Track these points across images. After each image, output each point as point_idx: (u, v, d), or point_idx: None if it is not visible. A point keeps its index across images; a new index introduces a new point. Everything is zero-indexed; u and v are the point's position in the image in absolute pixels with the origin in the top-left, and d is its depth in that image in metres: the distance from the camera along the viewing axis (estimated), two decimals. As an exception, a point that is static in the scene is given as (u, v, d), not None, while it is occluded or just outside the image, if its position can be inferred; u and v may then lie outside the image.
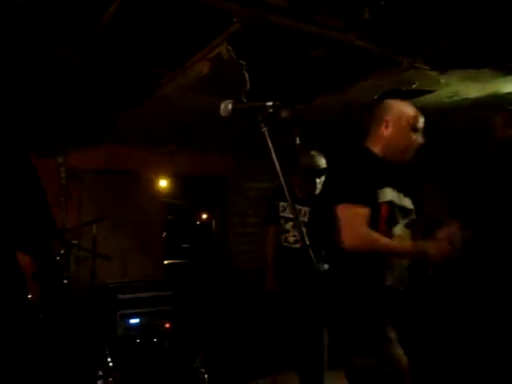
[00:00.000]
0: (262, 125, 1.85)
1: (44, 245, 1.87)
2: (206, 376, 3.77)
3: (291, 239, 4.04)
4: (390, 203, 2.43)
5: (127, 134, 5.53)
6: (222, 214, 6.67)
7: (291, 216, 4.03)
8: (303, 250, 3.99)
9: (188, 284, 6.18)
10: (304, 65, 3.66)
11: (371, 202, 2.37)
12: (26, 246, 1.80)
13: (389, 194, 2.44)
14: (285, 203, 4.09)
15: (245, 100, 3.72)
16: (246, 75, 3.57)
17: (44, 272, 1.85)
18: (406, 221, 2.52)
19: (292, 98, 4.22)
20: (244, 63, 3.43)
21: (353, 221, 2.33)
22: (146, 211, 6.08)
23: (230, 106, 1.93)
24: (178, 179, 6.70)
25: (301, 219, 3.90)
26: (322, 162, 4.10)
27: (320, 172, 4.04)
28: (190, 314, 5.63)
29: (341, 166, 2.61)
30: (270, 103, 1.85)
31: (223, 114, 1.96)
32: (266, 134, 1.83)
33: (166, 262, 6.55)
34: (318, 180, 4.02)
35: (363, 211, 2.34)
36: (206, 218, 8.14)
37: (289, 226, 4.07)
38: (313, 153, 4.12)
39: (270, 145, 1.81)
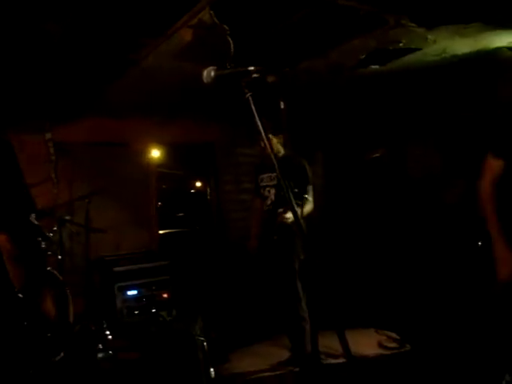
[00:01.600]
0: (246, 90, 1.82)
1: (21, 223, 1.80)
2: (204, 344, 3.81)
3: (268, 202, 4.32)
4: None
5: (116, 105, 5.46)
6: (215, 181, 6.66)
7: (268, 183, 4.35)
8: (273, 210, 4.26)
9: (184, 253, 6.21)
10: (289, 28, 3.61)
11: None
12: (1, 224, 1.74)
13: None
14: (263, 175, 4.41)
15: (230, 66, 3.66)
16: (230, 41, 3.50)
17: (24, 251, 1.80)
18: None
19: (279, 62, 4.16)
20: (227, 28, 3.36)
21: None
22: (137, 182, 6.06)
23: (212, 73, 1.90)
24: (170, 148, 6.66)
25: (271, 183, 4.32)
26: None
27: None
28: (187, 282, 5.67)
29: None
30: (253, 68, 1.82)
31: (206, 81, 1.93)
32: (250, 99, 1.80)
33: (161, 232, 6.55)
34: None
35: None
36: (201, 187, 8.12)
37: (266, 192, 4.36)
38: None
39: (254, 110, 1.78)
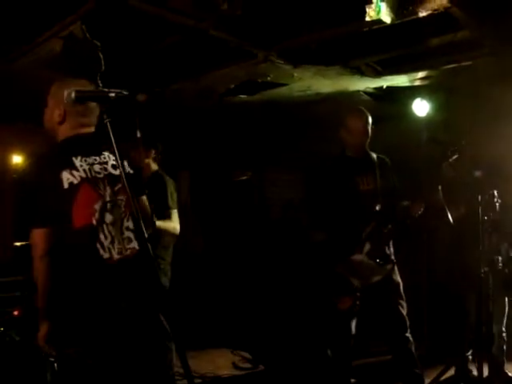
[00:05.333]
0: (105, 116, 1.83)
1: None
2: (55, 364, 3.67)
3: None
4: None
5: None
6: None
7: None
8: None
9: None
10: (161, 50, 3.67)
11: None
12: None
13: None
14: None
15: (100, 82, 3.62)
16: (101, 56, 3.47)
17: None
18: None
19: (151, 82, 4.19)
20: (99, 44, 3.34)
21: None
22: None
23: (73, 95, 1.89)
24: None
25: None
26: None
27: None
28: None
29: None
30: (113, 93, 1.83)
31: (66, 102, 1.92)
32: (108, 125, 1.82)
33: (18, 244, 6.16)
34: None
35: None
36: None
37: None
38: None
39: (112, 136, 1.80)
